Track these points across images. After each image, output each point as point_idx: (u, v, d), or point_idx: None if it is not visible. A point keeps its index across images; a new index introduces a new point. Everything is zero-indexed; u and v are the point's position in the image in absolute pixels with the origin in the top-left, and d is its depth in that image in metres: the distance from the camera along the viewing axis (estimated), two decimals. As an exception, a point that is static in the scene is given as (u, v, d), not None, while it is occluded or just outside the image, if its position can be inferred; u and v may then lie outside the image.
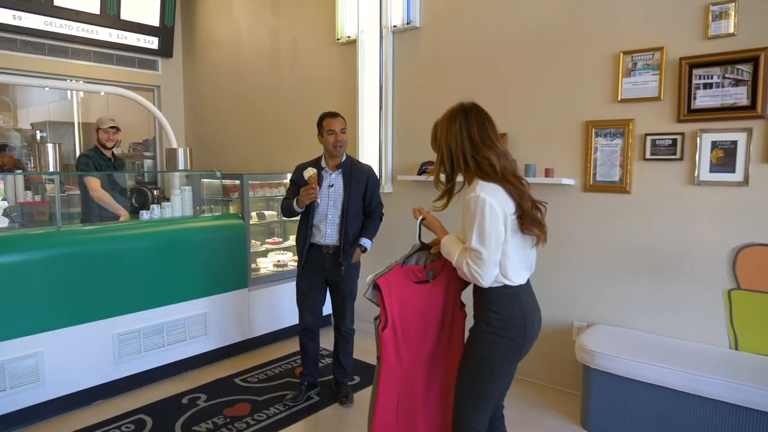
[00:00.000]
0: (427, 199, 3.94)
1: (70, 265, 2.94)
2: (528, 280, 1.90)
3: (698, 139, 2.77)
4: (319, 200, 2.94)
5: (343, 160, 3.04)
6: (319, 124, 2.99)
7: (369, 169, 3.12)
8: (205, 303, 3.60)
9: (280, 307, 4.13)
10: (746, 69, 2.62)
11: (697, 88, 2.75)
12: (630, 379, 2.64)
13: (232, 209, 4.22)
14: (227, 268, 3.74)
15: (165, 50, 5.60)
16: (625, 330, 3.03)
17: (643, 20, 2.91)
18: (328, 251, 3.01)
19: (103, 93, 4.51)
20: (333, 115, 2.97)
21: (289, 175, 4.51)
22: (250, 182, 3.97)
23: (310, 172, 2.84)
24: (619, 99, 3.01)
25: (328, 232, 3.00)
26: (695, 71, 2.75)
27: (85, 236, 3.11)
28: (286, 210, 3.05)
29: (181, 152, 3.88)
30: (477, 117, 1.83)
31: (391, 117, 4.07)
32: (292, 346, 4.07)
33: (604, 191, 3.10)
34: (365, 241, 3.05)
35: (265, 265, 4.34)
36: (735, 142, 2.69)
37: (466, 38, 3.64)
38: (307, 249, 3.03)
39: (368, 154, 4.10)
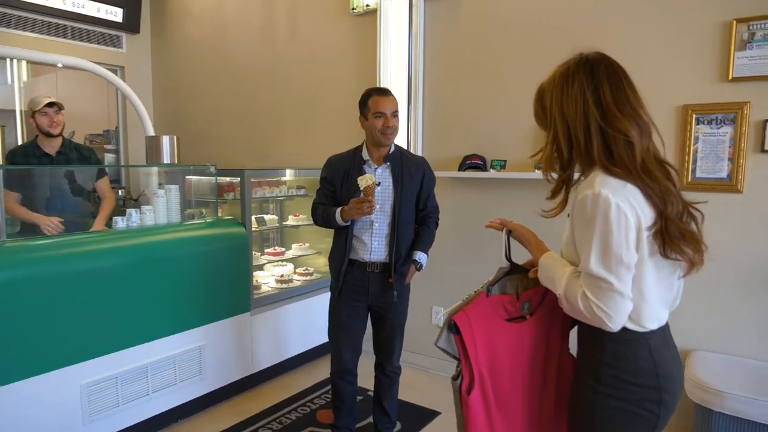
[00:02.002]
0: (473, 200, 3.29)
1: (17, 294, 2.12)
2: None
3: (839, 126, 2.25)
4: (374, 217, 2.25)
5: (392, 151, 2.35)
6: (363, 104, 2.29)
7: (423, 161, 2.44)
8: (200, 334, 2.83)
9: (287, 333, 3.39)
10: None
11: (840, 62, 2.23)
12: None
13: (220, 213, 3.44)
14: (226, 288, 2.97)
15: (131, 24, 4.71)
16: (739, 359, 2.48)
17: (765, -20, 2.37)
18: (373, 270, 2.32)
19: (60, 65, 3.60)
20: (383, 92, 2.27)
21: (288, 172, 3.80)
22: (252, 180, 3.21)
23: (367, 181, 2.11)
24: (729, 78, 2.45)
25: (374, 246, 2.30)
26: (838, 41, 2.23)
27: (38, 254, 2.28)
28: (324, 220, 2.35)
29: (166, 141, 3.06)
30: (609, 71, 1.23)
31: (422, 103, 3.40)
32: (302, 379, 3.35)
33: (707, 190, 2.54)
34: (420, 256, 2.38)
35: (265, 280, 3.59)
36: None
37: (521, 5, 3.01)
38: (346, 268, 2.33)
39: (393, 146, 3.42)
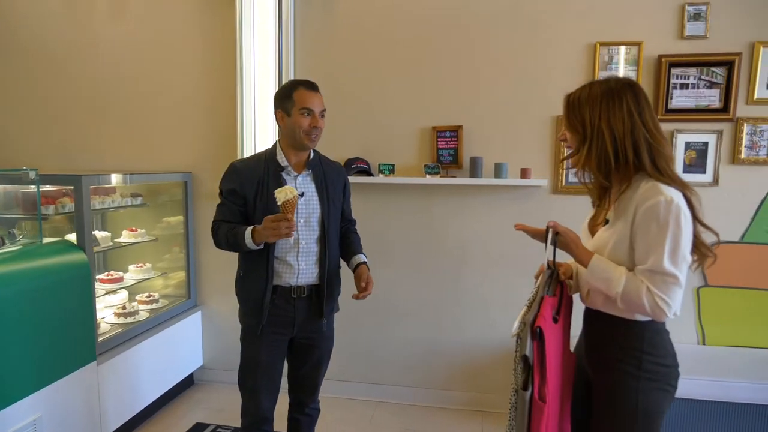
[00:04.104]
0: (359, 206, 2.94)
1: None
2: None
3: (674, 140, 2.74)
4: (299, 234, 1.87)
5: (311, 156, 2.03)
6: (286, 97, 1.92)
7: (341, 167, 2.17)
8: (33, 404, 2.05)
9: (139, 378, 2.72)
10: (720, 72, 2.67)
11: (674, 87, 2.71)
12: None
13: (25, 229, 2.57)
14: (63, 337, 2.21)
15: None
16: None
17: (621, 12, 2.74)
18: (300, 295, 1.97)
19: None
20: (312, 86, 1.93)
21: (114, 178, 3.02)
22: (91, 187, 2.46)
23: (287, 194, 1.70)
24: (594, 94, 2.78)
25: (301, 268, 1.95)
26: (673, 70, 2.70)
27: None
28: (228, 242, 1.89)
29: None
30: (647, 101, 1.45)
31: (296, 99, 3.06)
32: (165, 430, 2.74)
33: (576, 193, 2.85)
34: (364, 257, 2.11)
35: (102, 314, 2.82)
36: (706, 144, 2.73)
37: (407, 6, 2.93)
38: (270, 297, 1.92)
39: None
